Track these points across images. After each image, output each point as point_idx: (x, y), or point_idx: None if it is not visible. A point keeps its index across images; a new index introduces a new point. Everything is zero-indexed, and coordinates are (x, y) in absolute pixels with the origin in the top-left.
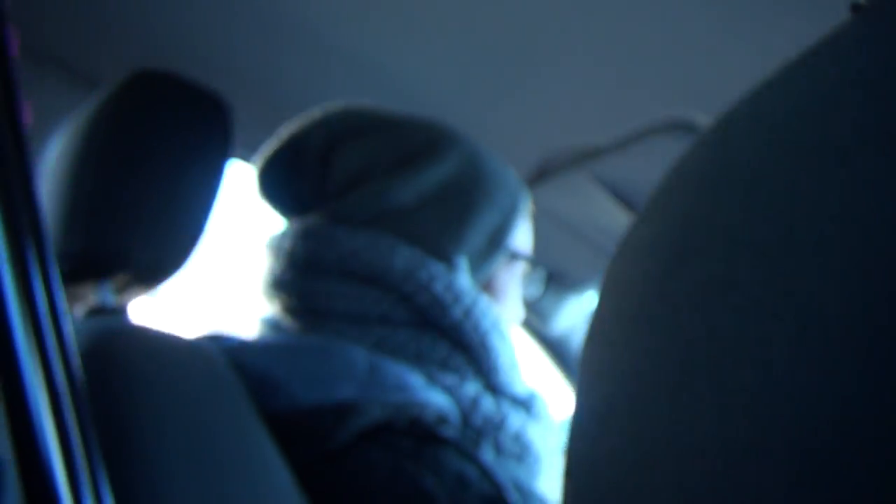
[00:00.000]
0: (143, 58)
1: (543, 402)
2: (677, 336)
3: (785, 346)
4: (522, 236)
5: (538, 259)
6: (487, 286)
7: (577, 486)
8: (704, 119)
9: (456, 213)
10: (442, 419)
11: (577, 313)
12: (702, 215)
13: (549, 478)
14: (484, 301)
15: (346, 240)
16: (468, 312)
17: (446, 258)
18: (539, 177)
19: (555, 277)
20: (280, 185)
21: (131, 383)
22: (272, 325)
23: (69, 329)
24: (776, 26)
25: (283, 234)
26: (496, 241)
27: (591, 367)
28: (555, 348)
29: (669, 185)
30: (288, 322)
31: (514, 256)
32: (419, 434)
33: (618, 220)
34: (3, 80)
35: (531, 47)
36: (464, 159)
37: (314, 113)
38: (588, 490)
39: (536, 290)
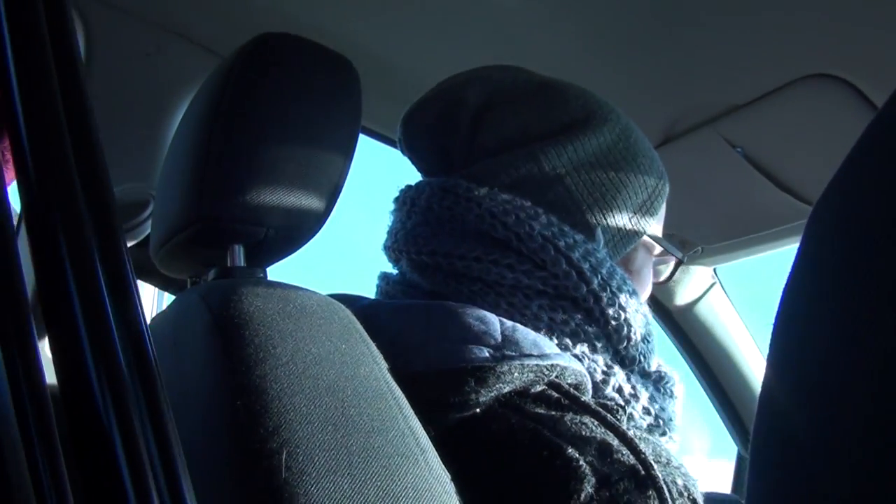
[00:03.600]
0: (261, 27)
1: (672, 378)
2: None
3: None
4: (660, 219)
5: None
6: (623, 263)
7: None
8: (846, 73)
9: (605, 185)
10: (579, 385)
11: (700, 285)
12: None
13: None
14: (621, 274)
15: (487, 200)
16: (605, 284)
17: (588, 229)
18: (667, 138)
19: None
20: (429, 138)
21: (267, 339)
22: (400, 283)
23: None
24: None
25: (419, 190)
26: (639, 220)
27: (800, 321)
28: (675, 320)
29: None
30: (418, 280)
31: (653, 239)
32: (557, 400)
33: (748, 183)
34: (71, 75)
35: (664, 6)
36: (617, 133)
37: (471, 71)
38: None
39: (665, 274)
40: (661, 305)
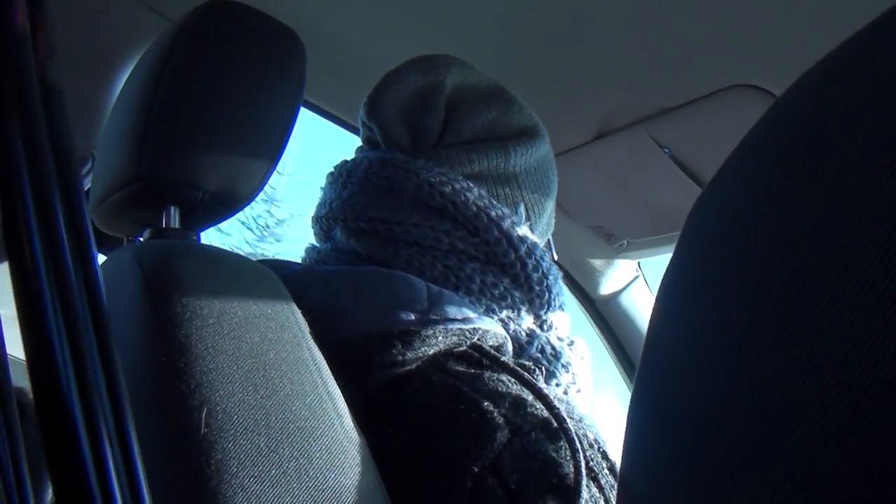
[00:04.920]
0: None
1: (580, 343)
2: (770, 279)
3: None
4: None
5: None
6: None
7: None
8: (770, 84)
9: (541, 190)
10: (500, 346)
11: (624, 278)
12: (799, 163)
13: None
14: (541, 247)
15: (424, 171)
16: (531, 252)
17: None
18: (600, 133)
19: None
20: (402, 110)
21: (195, 299)
22: (333, 250)
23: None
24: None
25: (356, 163)
26: (549, 221)
27: (670, 309)
28: (598, 309)
29: (761, 135)
30: (354, 246)
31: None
32: (478, 359)
33: (673, 182)
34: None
35: (598, 6)
36: (548, 145)
37: (447, 57)
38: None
39: None
40: (585, 295)
